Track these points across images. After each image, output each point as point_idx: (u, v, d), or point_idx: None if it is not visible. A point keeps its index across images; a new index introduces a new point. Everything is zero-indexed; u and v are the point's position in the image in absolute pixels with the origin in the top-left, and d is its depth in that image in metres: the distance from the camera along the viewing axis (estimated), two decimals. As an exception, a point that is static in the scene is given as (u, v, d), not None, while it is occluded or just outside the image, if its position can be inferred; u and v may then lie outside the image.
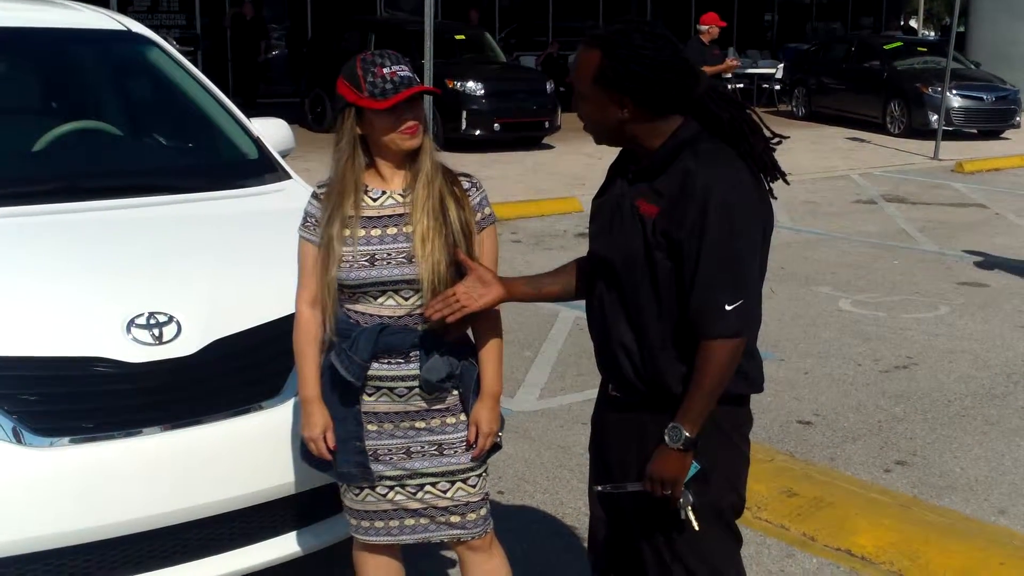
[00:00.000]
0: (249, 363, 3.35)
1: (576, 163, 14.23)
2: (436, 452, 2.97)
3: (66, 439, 3.04)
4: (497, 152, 15.06)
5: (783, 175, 2.64)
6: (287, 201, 3.94)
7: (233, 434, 3.25)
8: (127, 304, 3.22)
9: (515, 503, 4.62)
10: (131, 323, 3.17)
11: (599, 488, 2.83)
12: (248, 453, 3.27)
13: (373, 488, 2.99)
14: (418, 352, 2.89)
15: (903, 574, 4.05)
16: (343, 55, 3.96)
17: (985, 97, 18.67)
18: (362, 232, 2.86)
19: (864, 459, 5.14)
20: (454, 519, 3.02)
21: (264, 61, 19.74)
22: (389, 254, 2.85)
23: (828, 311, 7.78)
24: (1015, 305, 8.04)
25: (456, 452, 2.98)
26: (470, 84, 15.34)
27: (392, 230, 2.87)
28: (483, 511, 3.06)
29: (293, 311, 3.01)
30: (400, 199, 2.90)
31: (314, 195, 2.97)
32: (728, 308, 2.48)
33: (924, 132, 17.64)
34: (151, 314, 3.20)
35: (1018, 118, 19.11)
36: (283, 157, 4.62)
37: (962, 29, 22.83)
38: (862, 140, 18.16)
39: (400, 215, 2.88)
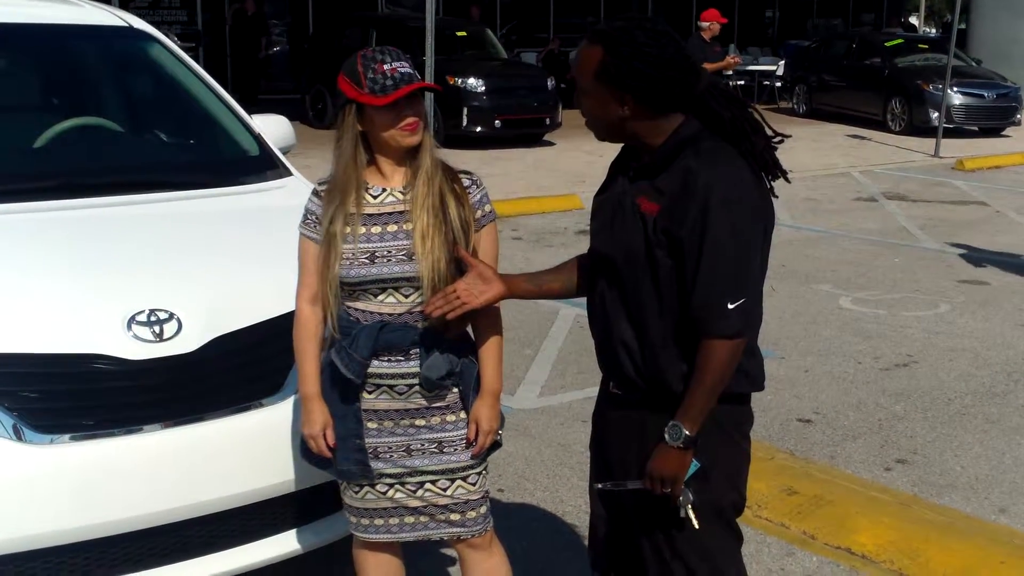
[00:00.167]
0: (250, 360, 3.35)
1: (577, 160, 14.22)
2: (436, 450, 2.97)
3: (67, 436, 3.04)
4: (498, 149, 15.06)
5: (784, 173, 2.64)
6: (288, 198, 3.94)
7: (233, 431, 3.25)
8: (128, 301, 3.22)
9: (515, 501, 4.62)
10: (132, 320, 3.16)
11: (599, 486, 2.83)
12: (248, 450, 3.27)
13: (373, 486, 2.99)
14: (418, 349, 2.89)
15: (903, 572, 4.05)
16: (344, 51, 3.96)
17: (986, 94, 18.67)
18: (362, 229, 2.86)
19: (864, 457, 5.14)
20: (454, 517, 3.01)
21: (265, 57, 19.73)
22: (389, 251, 2.85)
23: (828, 309, 7.78)
24: (1016, 303, 8.03)
25: (456, 450, 2.98)
26: (471, 81, 15.34)
27: (392, 227, 2.87)
28: (483, 509, 3.05)
29: (294, 308, 3.01)
30: (400, 196, 2.89)
31: (315, 192, 2.97)
32: (730, 307, 2.48)
33: (925, 129, 17.63)
34: (152, 311, 3.20)
35: (1019, 115, 19.12)
36: (284, 154, 4.62)
37: (963, 26, 22.81)
38: (863, 137, 18.15)
39: (400, 212, 2.88)
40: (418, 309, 2.87)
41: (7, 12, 4.51)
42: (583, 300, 2.85)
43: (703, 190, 2.47)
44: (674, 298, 2.56)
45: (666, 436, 2.55)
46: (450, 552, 3.84)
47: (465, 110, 15.17)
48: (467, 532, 3.04)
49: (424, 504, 3.00)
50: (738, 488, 2.75)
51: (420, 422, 2.95)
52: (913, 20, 36.27)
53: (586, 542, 3.11)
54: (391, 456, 2.96)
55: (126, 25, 4.80)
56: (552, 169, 13.84)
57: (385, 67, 2.78)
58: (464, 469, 2.99)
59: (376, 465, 2.97)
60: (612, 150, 2.74)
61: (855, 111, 19.73)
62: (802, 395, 5.97)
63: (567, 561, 4.10)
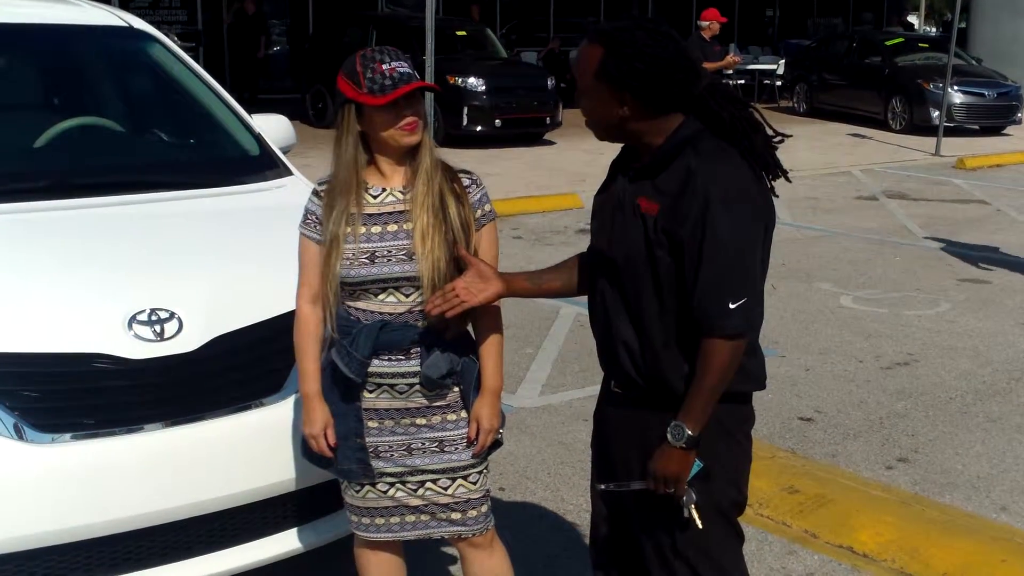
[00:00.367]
0: (250, 359, 3.35)
1: (577, 159, 14.22)
2: (437, 449, 2.97)
3: (68, 435, 3.04)
4: (498, 148, 15.06)
5: (785, 172, 2.64)
6: (288, 197, 3.94)
7: (234, 430, 3.25)
8: (129, 300, 3.22)
9: (516, 499, 4.62)
10: (133, 319, 3.17)
11: (603, 487, 2.83)
12: (249, 449, 3.27)
13: (374, 485, 3.00)
14: (419, 349, 2.89)
15: (904, 571, 4.05)
16: (344, 51, 3.96)
17: (987, 93, 18.66)
18: (362, 229, 2.86)
19: (865, 456, 5.14)
20: (455, 516, 3.02)
21: (264, 57, 19.73)
22: (389, 251, 2.85)
23: (829, 308, 7.78)
24: (1017, 302, 8.03)
25: (457, 449, 2.98)
26: (471, 80, 15.34)
27: (392, 227, 2.87)
28: (484, 508, 3.06)
29: (294, 308, 3.01)
30: (400, 196, 2.89)
31: (315, 192, 2.97)
32: (732, 306, 2.48)
33: (925, 128, 17.63)
34: (152, 310, 3.20)
35: (1020, 114, 19.10)
36: (284, 153, 4.62)
37: (963, 25, 22.80)
38: (863, 136, 18.15)
39: (400, 212, 2.88)
40: (419, 308, 2.87)
41: (7, 12, 4.52)
42: (584, 298, 2.85)
43: (703, 190, 2.47)
44: (674, 298, 2.56)
45: (669, 436, 2.55)
46: (451, 551, 3.84)
47: (465, 109, 15.16)
48: (468, 531, 3.04)
49: (425, 503, 3.00)
50: (740, 487, 2.75)
51: (421, 421, 2.95)
52: (912, 19, 36.27)
53: (587, 541, 3.11)
54: (392, 455, 2.96)
55: (126, 25, 4.80)
56: (552, 168, 13.84)
57: (384, 67, 2.78)
58: (465, 468, 3.00)
59: (377, 464, 2.97)
60: (612, 149, 2.74)
61: (856, 110, 19.73)
62: (803, 394, 5.97)
63: (568, 560, 4.10)
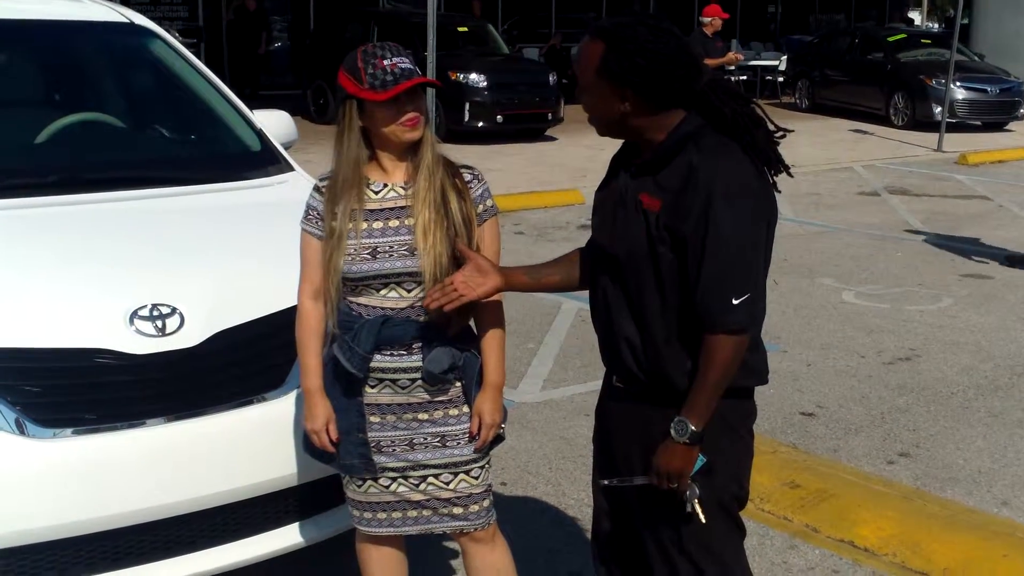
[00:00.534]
0: (252, 355, 3.35)
1: (579, 155, 14.22)
2: (439, 444, 2.97)
3: (69, 430, 3.04)
4: (500, 144, 15.06)
5: (787, 168, 2.63)
6: (290, 193, 3.94)
7: (236, 425, 3.25)
8: (130, 296, 3.22)
9: (518, 494, 4.62)
10: (134, 315, 3.17)
11: (605, 482, 2.83)
12: (251, 444, 3.28)
13: (376, 480, 3.00)
14: (420, 344, 2.89)
15: (905, 565, 4.05)
16: (346, 46, 3.95)
17: (989, 89, 18.64)
18: (364, 225, 2.86)
19: (867, 451, 5.14)
20: (457, 511, 3.02)
21: (266, 53, 19.73)
22: (391, 247, 2.85)
23: (831, 303, 7.78)
24: (1019, 297, 8.03)
25: (459, 444, 2.98)
26: (473, 76, 15.33)
27: (394, 223, 2.87)
28: (486, 503, 3.06)
29: (295, 303, 3.01)
30: (402, 192, 2.90)
31: (316, 188, 2.97)
32: (734, 302, 2.48)
33: (928, 124, 17.61)
34: (154, 306, 3.20)
35: (1022, 110, 19.08)
36: (286, 149, 4.62)
37: (966, 21, 22.78)
38: (865, 132, 18.14)
39: (402, 208, 2.88)
40: (420, 304, 2.87)
41: (9, 8, 4.52)
42: (585, 293, 2.85)
43: (705, 185, 2.47)
44: (676, 294, 2.56)
45: (672, 432, 2.55)
46: (453, 545, 3.85)
47: (467, 105, 15.16)
48: (470, 525, 3.05)
49: (427, 498, 3.00)
50: (741, 482, 2.75)
51: (423, 416, 2.96)
52: (913, 16, 36.22)
53: (588, 535, 3.11)
54: (394, 450, 2.97)
55: (127, 21, 4.81)
56: (554, 164, 13.84)
57: (385, 63, 2.78)
58: (467, 463, 3.00)
59: (379, 459, 2.97)
60: (614, 145, 2.74)
61: (858, 106, 19.71)
62: (805, 389, 5.98)
63: (569, 554, 4.11)
